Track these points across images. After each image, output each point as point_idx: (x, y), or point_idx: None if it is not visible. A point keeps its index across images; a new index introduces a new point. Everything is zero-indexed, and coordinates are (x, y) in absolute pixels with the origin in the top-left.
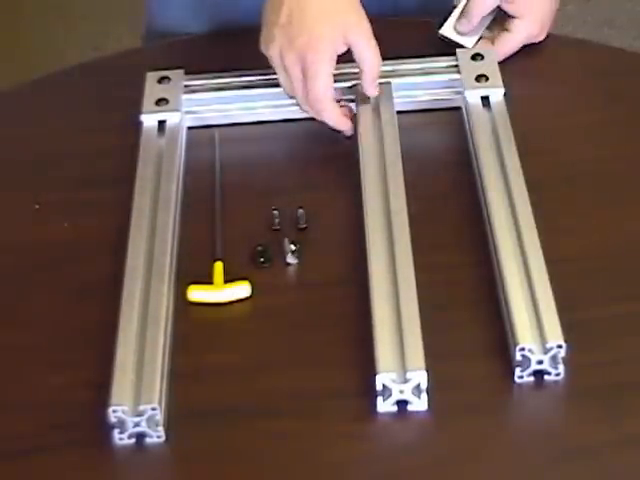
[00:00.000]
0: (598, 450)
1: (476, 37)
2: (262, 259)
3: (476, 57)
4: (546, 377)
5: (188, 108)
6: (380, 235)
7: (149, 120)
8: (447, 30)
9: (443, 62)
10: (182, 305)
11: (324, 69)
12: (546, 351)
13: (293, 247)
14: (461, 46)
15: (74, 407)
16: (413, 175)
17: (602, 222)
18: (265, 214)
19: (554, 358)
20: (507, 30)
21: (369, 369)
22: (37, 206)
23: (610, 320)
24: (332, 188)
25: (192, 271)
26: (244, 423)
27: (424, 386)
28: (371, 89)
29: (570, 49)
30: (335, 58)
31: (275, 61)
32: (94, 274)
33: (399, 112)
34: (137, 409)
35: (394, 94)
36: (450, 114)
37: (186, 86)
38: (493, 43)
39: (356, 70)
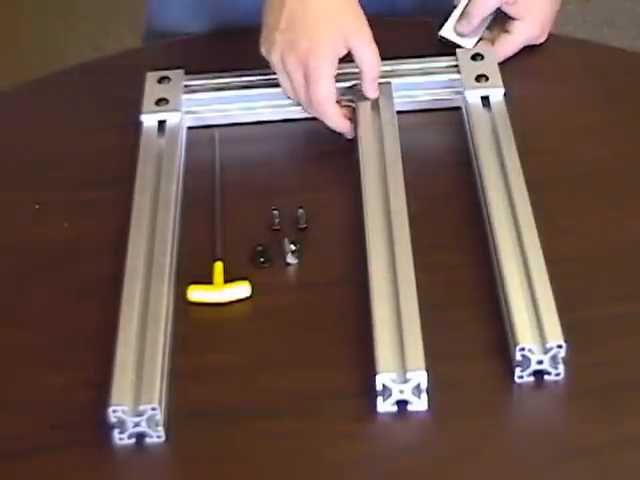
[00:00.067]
0: (598, 450)
1: (476, 38)
2: (262, 259)
3: (476, 57)
4: (546, 377)
5: (188, 108)
6: (380, 235)
7: (149, 120)
8: (447, 31)
9: (443, 62)
10: (182, 305)
11: (326, 73)
12: (546, 351)
13: (293, 247)
14: (461, 47)
15: (74, 407)
16: (413, 175)
17: (602, 222)
18: (265, 214)
19: (554, 358)
20: (507, 31)
21: (369, 369)
22: (37, 206)
23: (610, 320)
24: (332, 188)
25: (192, 271)
26: (244, 423)
27: (424, 386)
28: (371, 91)
29: (570, 49)
30: (336, 62)
31: (276, 65)
32: (94, 274)
33: (399, 112)
34: (137, 409)
35: (394, 94)
36: (450, 114)
37: (186, 86)
38: (493, 44)
39: (356, 70)
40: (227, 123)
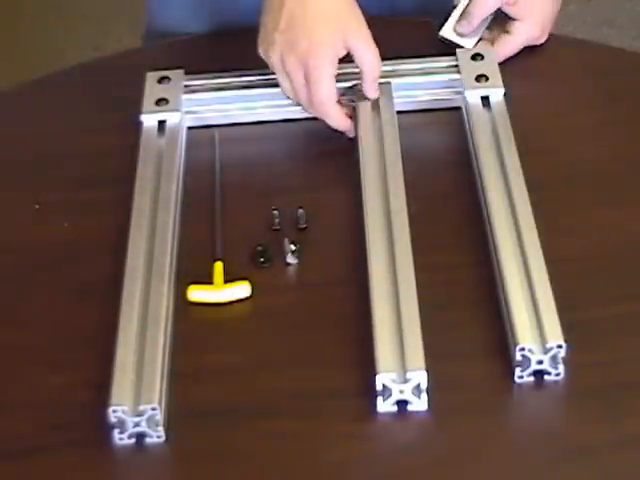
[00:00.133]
0: (598, 450)
1: (476, 38)
2: (262, 259)
3: (476, 57)
4: (546, 377)
5: (188, 108)
6: (380, 235)
7: (149, 120)
8: (447, 31)
9: (443, 62)
10: (182, 305)
11: (327, 73)
12: (546, 351)
13: (293, 247)
14: (461, 47)
15: (74, 407)
16: (413, 175)
17: (602, 222)
18: (265, 214)
19: (554, 358)
20: (507, 32)
21: (369, 369)
22: (37, 206)
23: (610, 320)
24: (332, 188)
25: (192, 271)
26: (244, 423)
27: (424, 386)
28: (371, 92)
29: (570, 49)
30: (336, 61)
31: (276, 65)
32: (94, 274)
33: (399, 112)
34: (137, 409)
35: (394, 94)
36: (450, 114)
37: (186, 86)
38: (493, 44)
39: (356, 70)
40: (227, 123)
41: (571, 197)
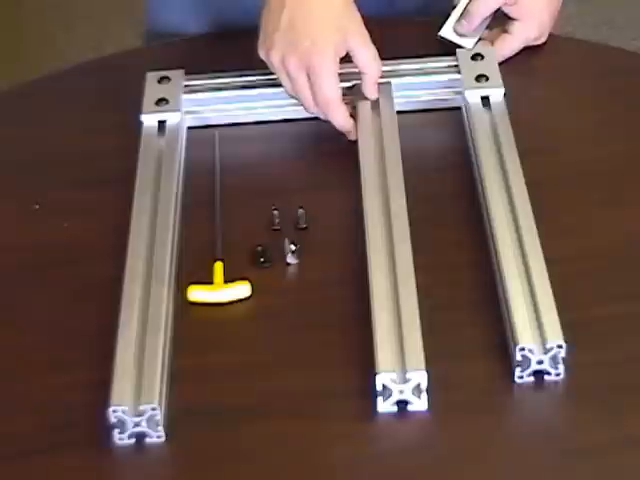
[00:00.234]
0: (598, 450)
1: (476, 38)
2: (262, 259)
3: (476, 57)
4: (546, 377)
5: (188, 108)
6: (380, 235)
7: (149, 120)
8: (447, 31)
9: (443, 62)
10: (182, 305)
11: (331, 70)
12: (546, 351)
13: (293, 247)
14: (461, 47)
15: (74, 407)
16: (413, 175)
17: (602, 222)
18: (265, 214)
19: (554, 358)
20: (507, 32)
21: (369, 369)
22: (37, 206)
23: (610, 320)
24: (332, 188)
25: (192, 271)
26: (244, 423)
27: (424, 386)
28: (372, 93)
29: (570, 49)
30: (338, 62)
31: (277, 66)
32: (94, 274)
33: (399, 112)
34: (137, 409)
35: (394, 94)
36: (450, 114)
37: (186, 86)
38: (492, 44)
39: (356, 70)
40: (227, 123)
41: (571, 197)
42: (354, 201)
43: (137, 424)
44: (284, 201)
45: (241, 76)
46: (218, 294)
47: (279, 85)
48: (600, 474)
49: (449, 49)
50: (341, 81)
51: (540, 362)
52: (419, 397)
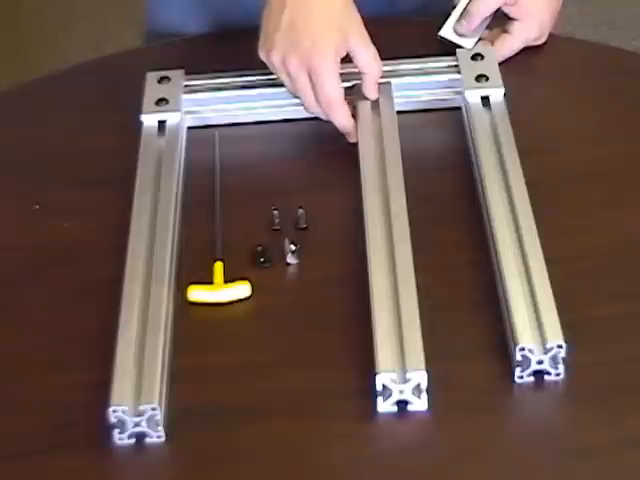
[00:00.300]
0: (598, 450)
1: (476, 38)
2: (262, 259)
3: (476, 57)
4: (546, 377)
5: (188, 108)
6: (380, 235)
7: (149, 120)
8: (447, 31)
9: (443, 62)
10: (182, 305)
11: (332, 70)
12: (546, 351)
13: (293, 247)
14: (461, 47)
15: (74, 407)
16: (413, 175)
17: (602, 222)
18: (265, 214)
19: (554, 358)
20: (507, 32)
21: (369, 369)
22: (37, 206)
23: (610, 320)
24: (332, 188)
25: (192, 271)
26: (244, 423)
27: (424, 386)
28: (372, 93)
29: (570, 49)
30: (339, 62)
31: (278, 67)
32: (94, 274)
33: (399, 112)
34: (137, 409)
35: (394, 94)
36: (450, 114)
37: (186, 86)
38: (492, 44)
39: (356, 70)
40: (227, 123)
41: (571, 197)
42: (354, 201)
43: (137, 424)
44: (284, 201)
45: (241, 76)
46: (218, 294)
47: (279, 85)
48: (600, 474)
49: (449, 49)
50: (342, 81)
51: (540, 362)
52: (419, 397)
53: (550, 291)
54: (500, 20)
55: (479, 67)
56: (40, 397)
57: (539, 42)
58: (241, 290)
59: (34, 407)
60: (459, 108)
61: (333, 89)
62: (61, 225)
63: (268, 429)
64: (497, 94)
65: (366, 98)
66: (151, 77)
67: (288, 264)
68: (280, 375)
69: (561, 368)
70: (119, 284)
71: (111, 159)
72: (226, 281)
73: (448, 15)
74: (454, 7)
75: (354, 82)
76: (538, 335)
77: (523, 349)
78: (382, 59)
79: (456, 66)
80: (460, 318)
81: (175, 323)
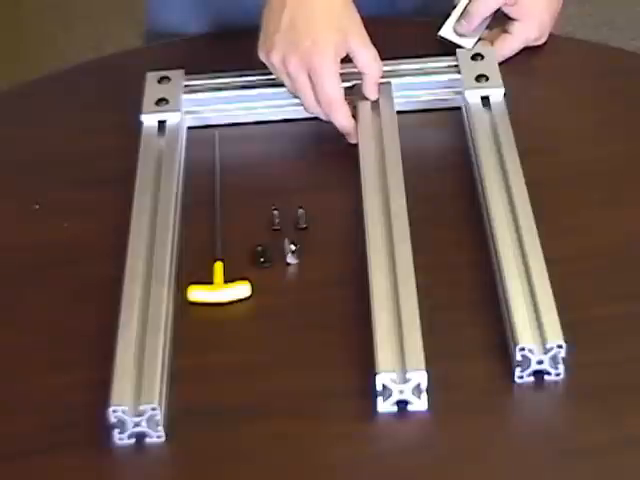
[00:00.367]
0: (598, 450)
1: (476, 38)
2: (262, 259)
3: (476, 57)
4: (546, 377)
5: (188, 108)
6: (380, 235)
7: (149, 120)
8: (446, 31)
9: (443, 62)
10: (182, 305)
11: (332, 70)
12: (546, 351)
13: (293, 247)
14: (461, 47)
15: (74, 407)
16: (413, 175)
17: (602, 222)
18: (265, 214)
19: (554, 358)
20: (507, 32)
21: (369, 369)
22: (37, 206)
23: (610, 320)
24: (332, 188)
25: (192, 271)
26: (244, 423)
27: (424, 386)
28: (372, 93)
29: (570, 49)
30: (339, 62)
31: (277, 67)
32: (94, 274)
33: (399, 112)
34: (137, 409)
35: (394, 94)
36: (450, 114)
37: (186, 86)
38: (492, 44)
39: (355, 70)
40: (227, 123)
41: (571, 197)
42: (354, 201)
43: (137, 424)
44: (284, 201)
45: (241, 76)
46: (218, 294)
47: (279, 85)
48: (600, 474)
49: (449, 49)
50: (342, 81)
51: (540, 362)
52: (419, 397)
53: (550, 291)
54: (500, 20)
55: (479, 67)
56: (40, 397)
57: (539, 42)
58: (241, 290)
59: (34, 407)
60: (459, 108)
61: (333, 89)
62: (61, 225)
63: (268, 429)
64: (497, 94)
65: (366, 98)
66: (151, 77)
67: (288, 264)
68: (280, 375)
69: (561, 368)
70: (119, 284)
71: (111, 159)
72: (226, 281)
73: (448, 15)
74: (454, 7)
75: (354, 82)
76: (538, 335)
77: (523, 349)
78: (382, 59)
79: (456, 66)
80: (460, 318)
81: (175, 323)
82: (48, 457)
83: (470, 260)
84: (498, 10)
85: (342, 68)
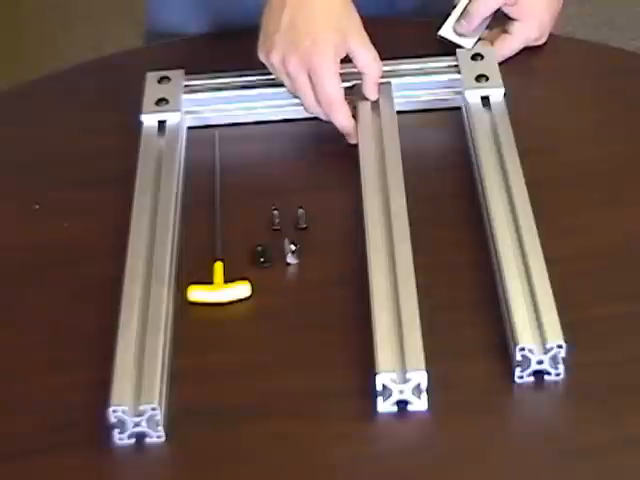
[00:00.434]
0: (598, 450)
1: (475, 38)
2: (262, 259)
3: (476, 57)
4: (546, 377)
5: (188, 108)
6: (380, 235)
7: (149, 120)
8: (446, 31)
9: (443, 62)
10: (182, 305)
11: (332, 70)
12: (546, 351)
13: (293, 247)
14: (460, 47)
15: (74, 407)
16: (413, 175)
17: (602, 222)
18: (265, 214)
19: (554, 358)
20: (507, 32)
21: (369, 369)
22: (37, 206)
23: (610, 320)
24: (332, 188)
25: (192, 271)
26: (244, 423)
27: (424, 386)
28: (372, 94)
29: (570, 49)
30: (339, 62)
31: (277, 67)
32: (94, 274)
33: (399, 112)
34: (137, 409)
35: (394, 94)
36: (450, 114)
37: (186, 86)
38: (492, 44)
39: (355, 70)
40: (227, 123)
41: (571, 197)
42: (354, 201)
43: (137, 424)
44: (284, 201)
45: (241, 76)
46: (218, 294)
47: (279, 85)
48: (600, 474)
49: (449, 49)
50: (342, 81)
51: (540, 362)
52: (419, 397)
53: (550, 291)
54: (500, 20)
55: (479, 67)
56: (40, 397)
57: (539, 42)
58: (241, 290)
59: (34, 407)
60: (459, 108)
61: (333, 89)
62: (61, 225)
63: (268, 429)
64: (497, 94)
65: (366, 98)
66: (151, 77)
67: (288, 264)
68: (280, 375)
69: (561, 368)
70: (119, 284)
71: (111, 159)
72: (226, 281)
73: (448, 15)
74: (454, 7)
75: (354, 82)
76: (538, 335)
77: (523, 349)
78: (382, 59)
79: (456, 66)
80: (460, 318)
81: (175, 323)
82: (48, 457)
83: (470, 260)
84: (498, 10)
85: (342, 68)
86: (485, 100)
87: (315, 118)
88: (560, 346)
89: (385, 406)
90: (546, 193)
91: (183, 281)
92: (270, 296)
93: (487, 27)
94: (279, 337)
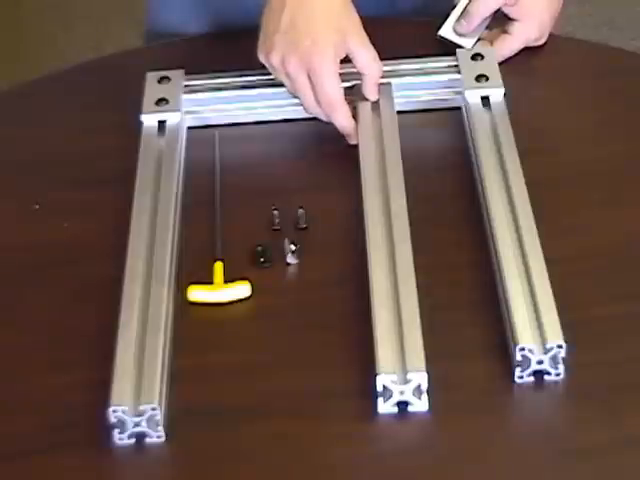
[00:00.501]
0: (598, 450)
1: (475, 38)
2: (262, 259)
3: (476, 57)
4: (546, 377)
5: (188, 108)
6: (380, 235)
7: (149, 120)
8: (446, 31)
9: (443, 62)
10: (182, 305)
11: (332, 70)
12: (546, 351)
13: (293, 247)
14: (460, 47)
15: (74, 407)
16: (413, 175)
17: (602, 222)
18: (265, 214)
19: (554, 358)
20: (507, 32)
21: (369, 370)
22: (37, 206)
23: (610, 320)
24: (332, 188)
25: (192, 271)
26: (244, 423)
27: (425, 387)
28: (372, 94)
29: (570, 49)
30: (338, 62)
31: (277, 68)
32: (94, 274)
33: (399, 112)
34: (137, 409)
35: (394, 94)
36: (450, 114)
37: (186, 86)
38: (492, 44)
39: (355, 70)
40: (227, 123)
41: (571, 197)
42: (354, 201)
43: (137, 424)
44: (284, 201)
45: (241, 76)
46: (218, 294)
47: (279, 85)
48: (600, 474)
49: (449, 49)
50: (342, 81)
51: (540, 362)
52: (419, 398)
53: (550, 291)
54: (500, 20)
55: (479, 67)
56: (40, 397)
57: (539, 42)
58: (241, 290)
59: (34, 407)
60: (459, 108)
61: (333, 89)
62: (61, 225)
63: (268, 429)
64: (497, 94)
65: (366, 99)
66: (151, 77)
67: (288, 264)
68: (280, 375)
69: (561, 368)
70: (119, 284)
71: (111, 159)
72: (226, 281)
73: (448, 15)
74: (454, 7)
75: (354, 82)
76: (538, 335)
77: (523, 349)
78: (382, 59)
79: (456, 66)
80: (460, 318)
81: (175, 323)
82: (48, 457)
83: (470, 260)
84: (498, 10)
85: (342, 68)
86: (485, 100)
87: (315, 118)
88: (560, 346)
89: (386, 407)
90: (546, 193)
91: (183, 281)
92: (270, 296)
93: (487, 27)
94: (279, 337)
